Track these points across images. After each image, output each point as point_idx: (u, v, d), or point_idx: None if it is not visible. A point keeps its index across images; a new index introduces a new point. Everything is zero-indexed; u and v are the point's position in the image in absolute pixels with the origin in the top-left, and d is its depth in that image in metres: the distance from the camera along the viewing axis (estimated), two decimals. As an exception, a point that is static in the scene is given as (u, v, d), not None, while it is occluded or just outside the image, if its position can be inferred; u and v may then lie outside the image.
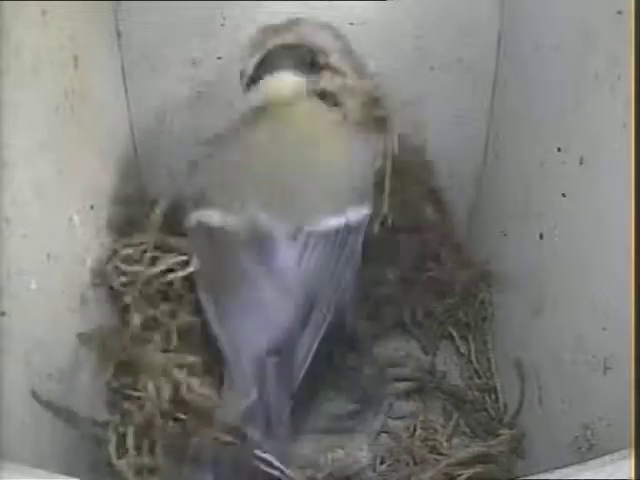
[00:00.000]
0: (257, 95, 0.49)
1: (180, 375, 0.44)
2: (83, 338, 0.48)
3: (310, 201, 0.46)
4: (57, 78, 0.46)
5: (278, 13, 0.56)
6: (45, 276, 0.43)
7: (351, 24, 0.56)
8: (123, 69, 0.58)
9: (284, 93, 0.49)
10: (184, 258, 0.49)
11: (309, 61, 0.50)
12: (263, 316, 0.44)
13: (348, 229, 0.46)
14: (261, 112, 0.49)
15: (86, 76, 0.49)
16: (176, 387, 0.44)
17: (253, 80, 0.49)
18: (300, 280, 0.44)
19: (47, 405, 0.41)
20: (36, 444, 0.40)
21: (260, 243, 0.44)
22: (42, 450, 0.41)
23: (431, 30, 0.57)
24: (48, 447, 0.42)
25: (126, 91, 0.58)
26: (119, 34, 0.56)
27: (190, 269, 0.49)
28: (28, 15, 0.41)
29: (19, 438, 0.38)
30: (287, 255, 0.44)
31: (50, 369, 0.43)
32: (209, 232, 0.46)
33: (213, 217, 0.46)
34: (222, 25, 0.57)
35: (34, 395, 0.40)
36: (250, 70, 0.49)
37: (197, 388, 0.43)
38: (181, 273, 0.49)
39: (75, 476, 0.30)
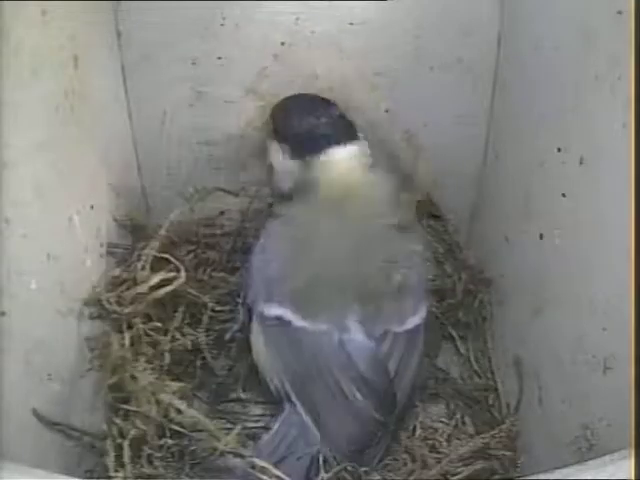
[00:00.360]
0: (310, 174, 0.48)
1: (167, 399, 0.44)
2: (90, 343, 0.48)
3: (394, 301, 0.47)
4: (57, 78, 0.46)
5: (278, 13, 0.56)
6: (45, 276, 0.43)
7: (351, 24, 0.56)
8: (123, 69, 0.57)
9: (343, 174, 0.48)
10: (173, 274, 0.50)
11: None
12: (349, 417, 0.45)
13: (422, 323, 0.49)
14: (318, 192, 0.48)
15: (86, 76, 0.49)
16: (166, 409, 0.44)
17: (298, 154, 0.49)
18: (386, 380, 0.45)
19: (47, 423, 0.41)
20: (36, 444, 0.40)
21: (347, 346, 0.45)
22: (42, 450, 0.41)
23: (431, 30, 0.57)
24: (48, 447, 0.42)
25: (126, 91, 0.58)
26: (119, 34, 0.56)
27: (179, 281, 0.49)
28: (28, 15, 0.41)
29: (19, 438, 0.38)
30: (374, 357, 0.45)
31: (50, 369, 0.43)
32: (289, 329, 0.46)
33: (294, 317, 0.46)
34: (222, 25, 0.57)
35: (35, 413, 0.40)
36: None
37: (186, 411, 0.44)
38: (170, 287, 0.49)
39: (75, 476, 0.30)
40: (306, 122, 0.50)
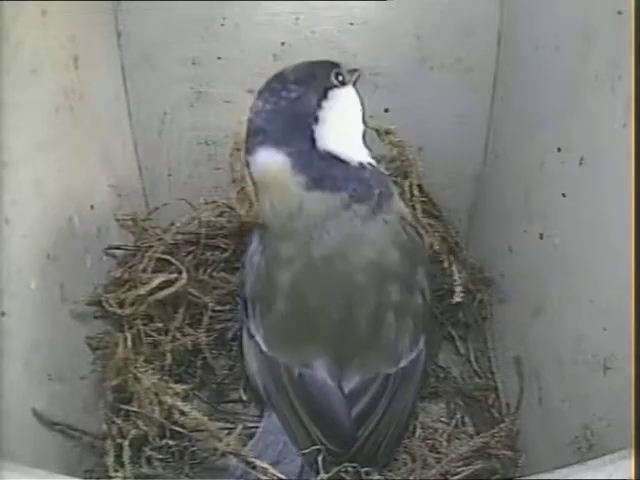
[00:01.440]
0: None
1: (171, 401, 0.44)
2: (92, 344, 0.48)
3: (384, 344, 0.44)
4: (57, 78, 0.46)
5: (278, 13, 0.56)
6: (45, 276, 0.43)
7: (351, 24, 0.57)
8: (123, 69, 0.58)
9: None
10: (175, 276, 0.49)
11: None
12: (305, 437, 0.44)
13: (421, 354, 0.47)
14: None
15: (86, 76, 0.49)
16: (169, 411, 0.44)
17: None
18: (346, 418, 0.44)
19: (47, 423, 0.41)
20: (36, 444, 0.40)
21: (306, 380, 0.44)
22: (42, 450, 0.41)
23: (431, 30, 0.57)
24: (48, 447, 0.42)
25: (126, 91, 0.58)
26: (119, 34, 0.56)
27: (180, 283, 0.49)
28: (28, 15, 0.41)
29: (19, 438, 0.38)
30: (335, 397, 0.44)
31: (50, 369, 0.43)
32: (261, 352, 0.45)
33: (262, 342, 0.45)
34: (222, 25, 0.57)
35: (35, 413, 0.40)
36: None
37: (189, 413, 0.44)
38: (171, 289, 0.49)
39: (75, 476, 0.30)
40: None
